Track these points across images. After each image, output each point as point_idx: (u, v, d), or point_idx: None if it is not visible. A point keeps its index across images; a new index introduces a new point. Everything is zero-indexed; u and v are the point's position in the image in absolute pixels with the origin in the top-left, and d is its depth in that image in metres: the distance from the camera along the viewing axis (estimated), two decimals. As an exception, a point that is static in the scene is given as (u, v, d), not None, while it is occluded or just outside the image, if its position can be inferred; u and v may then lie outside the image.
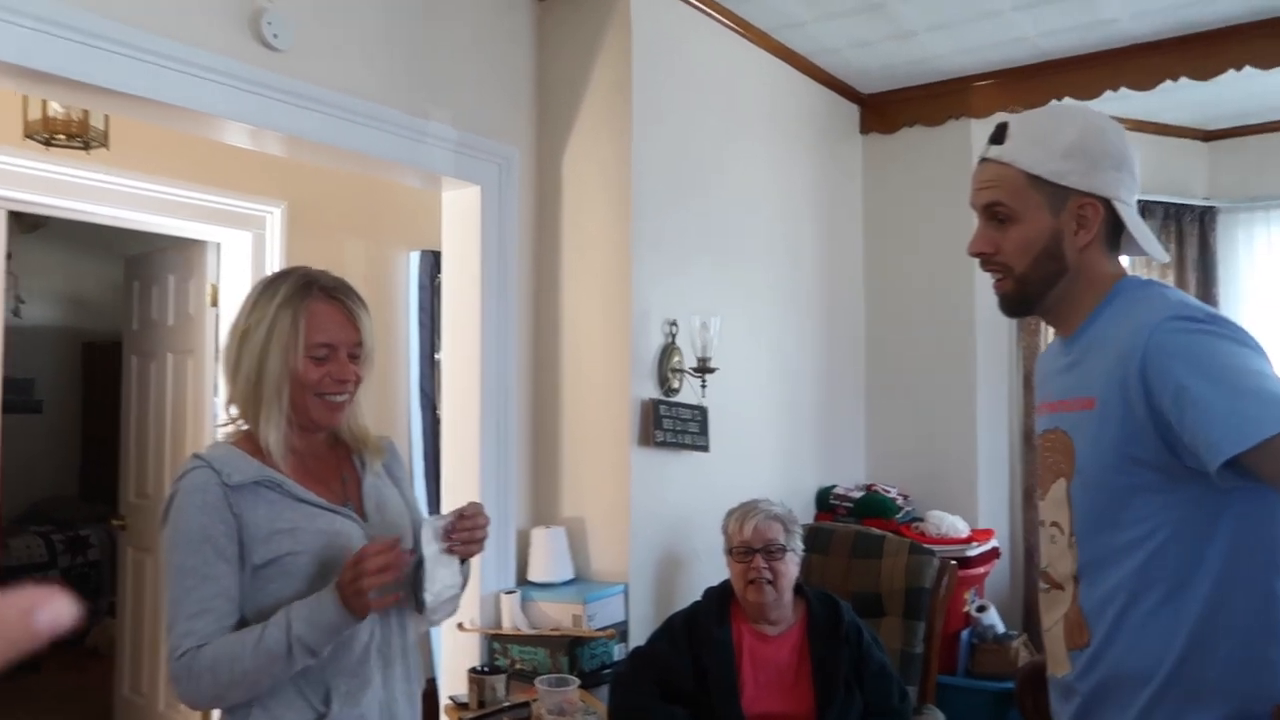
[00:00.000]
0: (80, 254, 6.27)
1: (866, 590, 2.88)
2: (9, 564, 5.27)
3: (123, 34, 2.04)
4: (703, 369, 3.01)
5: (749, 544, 2.39)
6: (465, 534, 1.41)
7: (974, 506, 3.83)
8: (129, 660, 3.88)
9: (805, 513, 3.68)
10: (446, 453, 3.01)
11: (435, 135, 2.74)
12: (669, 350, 3.03)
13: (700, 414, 3.08)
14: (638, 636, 2.74)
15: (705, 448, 3.10)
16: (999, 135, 1.34)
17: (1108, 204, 1.31)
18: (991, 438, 3.94)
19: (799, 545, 2.46)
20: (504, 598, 2.78)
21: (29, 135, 2.94)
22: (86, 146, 3.03)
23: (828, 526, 3.20)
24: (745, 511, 2.47)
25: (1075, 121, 1.32)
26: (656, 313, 3.01)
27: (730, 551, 2.45)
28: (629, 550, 2.88)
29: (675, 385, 3.04)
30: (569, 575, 2.89)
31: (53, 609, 0.45)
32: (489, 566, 2.84)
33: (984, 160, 1.36)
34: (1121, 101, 3.64)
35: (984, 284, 3.84)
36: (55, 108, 2.91)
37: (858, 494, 3.74)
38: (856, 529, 3.13)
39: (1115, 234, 1.34)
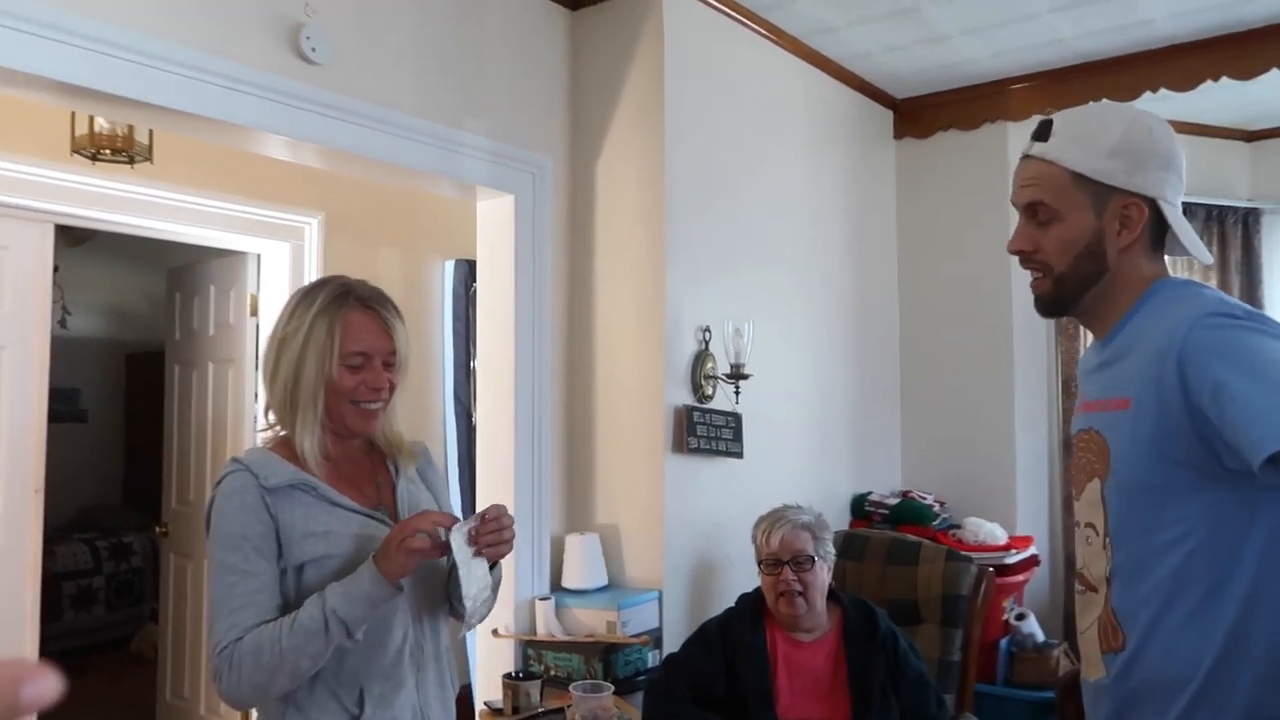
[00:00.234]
0: (125, 267, 6.40)
1: (902, 597, 2.85)
2: (56, 570, 5.38)
3: (166, 51, 2.09)
4: (736, 375, 3.01)
5: (777, 556, 2.37)
6: (491, 536, 1.42)
7: (1012, 513, 3.78)
8: (171, 665, 3.94)
9: (840, 519, 3.66)
10: (481, 460, 3.03)
11: (469, 145, 2.77)
12: (702, 357, 3.03)
13: (734, 420, 3.08)
14: (672, 643, 2.73)
15: (739, 454, 3.09)
16: (1043, 132, 1.32)
17: (1153, 204, 1.28)
18: (1030, 443, 3.89)
19: (830, 551, 2.44)
20: (538, 604, 2.79)
21: (76, 150, 3.01)
22: (131, 161, 3.10)
23: (862, 533, 3.18)
24: (772, 522, 2.44)
25: (1122, 119, 1.30)
26: (690, 319, 3.01)
27: (760, 563, 2.44)
28: (663, 556, 2.88)
29: (709, 392, 3.03)
30: (603, 582, 2.89)
31: (39, 683, 0.45)
32: (523, 572, 2.85)
33: (1026, 157, 1.34)
34: (1162, 102, 3.59)
35: (1021, 288, 3.79)
36: (101, 123, 2.98)
37: (893, 500, 3.71)
38: (892, 535, 3.10)
39: (1159, 235, 1.31)
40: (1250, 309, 1.23)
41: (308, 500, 1.43)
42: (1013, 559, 3.45)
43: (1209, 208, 4.13)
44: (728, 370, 3.02)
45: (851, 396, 3.81)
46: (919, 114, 4.09)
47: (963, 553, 2.99)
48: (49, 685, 0.46)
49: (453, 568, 1.43)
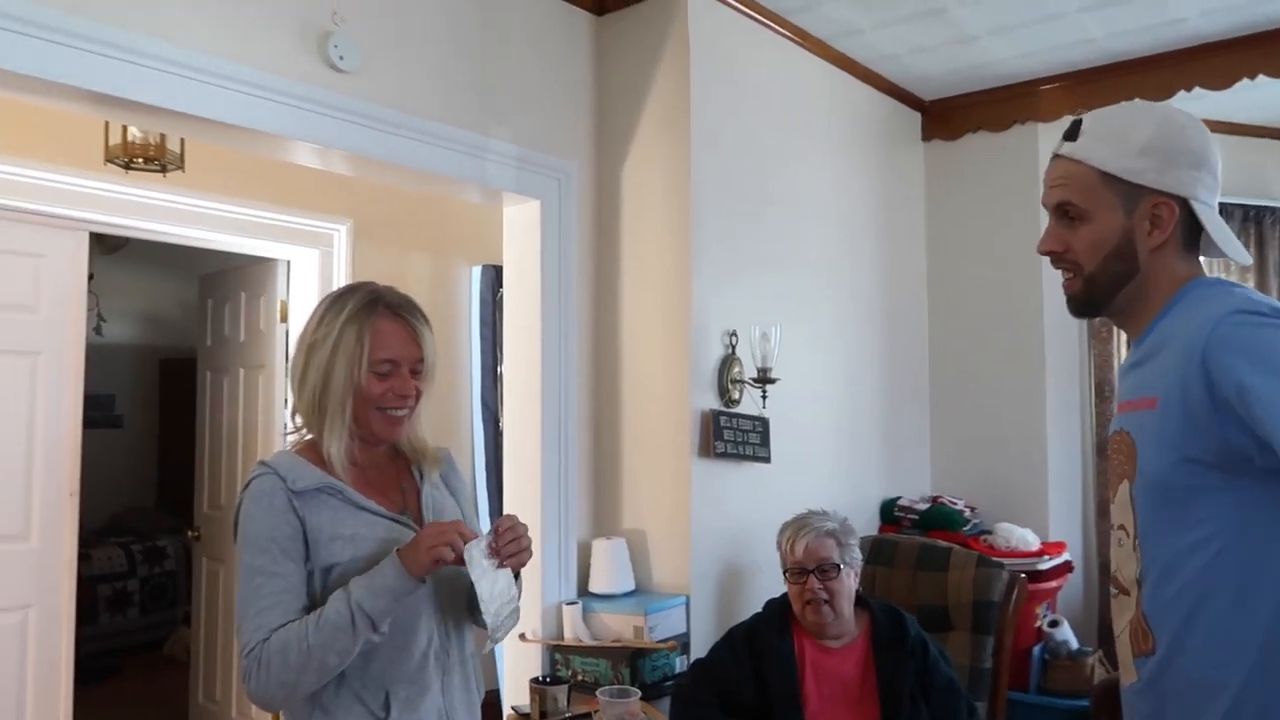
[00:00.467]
0: (158, 274, 6.50)
1: (933, 603, 2.82)
2: (91, 573, 5.46)
3: (196, 60, 2.12)
4: (763, 379, 2.99)
5: (802, 564, 2.35)
6: (510, 546, 1.42)
7: (1045, 519, 3.73)
8: (203, 668, 3.98)
9: (869, 525, 3.63)
10: (508, 465, 3.03)
11: (495, 151, 2.78)
12: (729, 361, 3.02)
13: (761, 425, 3.06)
14: (699, 649, 2.72)
15: (767, 459, 3.08)
16: (1072, 132, 1.31)
17: (1185, 204, 1.26)
18: (1063, 448, 3.84)
19: (856, 557, 2.41)
20: (565, 609, 2.79)
21: (109, 160, 3.06)
22: (164, 169, 3.14)
23: (891, 538, 3.15)
24: (796, 530, 2.42)
25: (1152, 118, 1.28)
26: (716, 323, 3.00)
27: (785, 571, 2.42)
28: (690, 562, 2.86)
29: (735, 396, 3.02)
30: (630, 587, 2.88)
31: None
32: (550, 577, 2.85)
33: (1056, 157, 1.32)
34: (1196, 102, 3.53)
35: (1053, 290, 3.75)
36: (134, 132, 3.03)
37: (923, 506, 3.67)
38: (921, 541, 3.07)
39: (1193, 235, 1.29)
40: (1277, 305, 1.20)
41: (334, 504, 1.44)
42: (1045, 565, 3.40)
43: (1246, 208, 4.05)
44: (754, 374, 3.01)
45: (880, 400, 3.78)
46: (947, 116, 4.06)
47: (994, 558, 2.96)
48: None
49: (470, 584, 1.42)
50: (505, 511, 3.04)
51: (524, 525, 1.46)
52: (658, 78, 3.02)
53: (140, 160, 3.08)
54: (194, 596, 4.16)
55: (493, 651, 3.47)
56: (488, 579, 1.39)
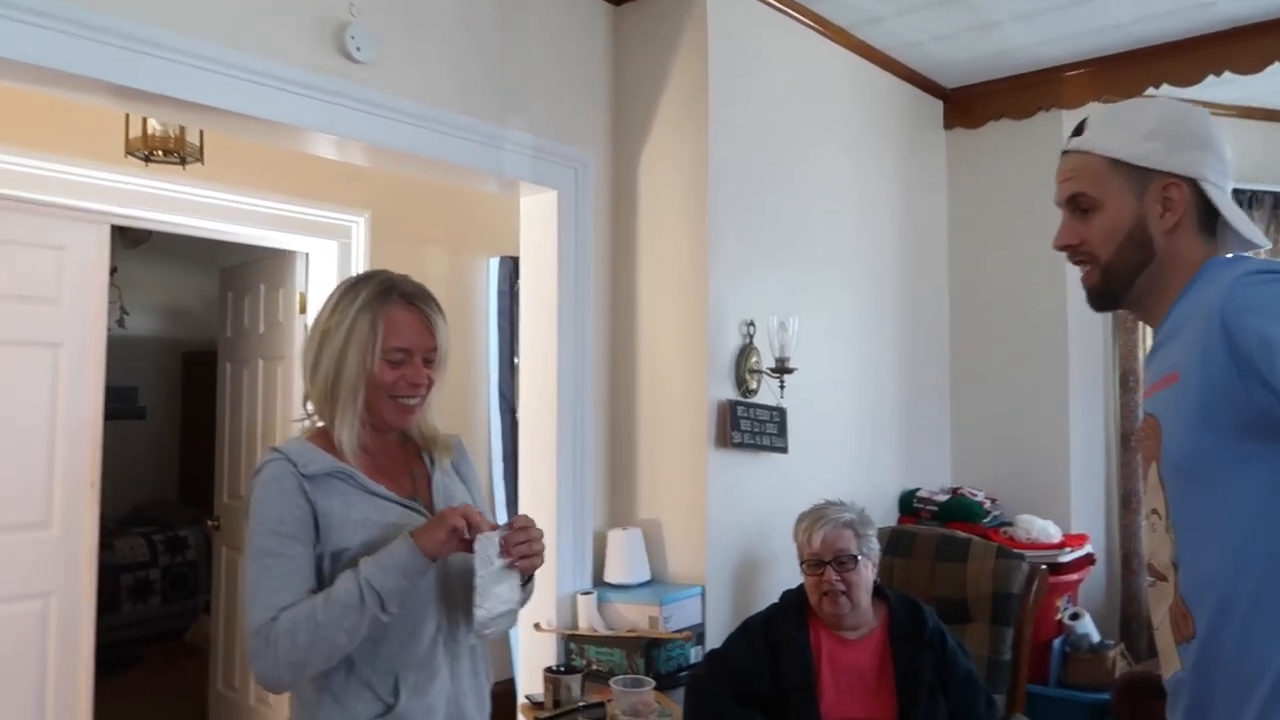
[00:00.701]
0: (180, 267, 6.55)
1: (951, 595, 2.80)
2: (114, 563, 5.52)
3: (214, 52, 2.13)
4: (781, 369, 2.97)
5: (819, 556, 2.33)
6: (522, 547, 1.41)
7: (1067, 511, 3.69)
8: (222, 656, 4.02)
9: (888, 516, 3.60)
10: (524, 455, 3.03)
11: (512, 141, 2.77)
12: (746, 351, 3.00)
13: (779, 415, 3.04)
14: (714, 639, 2.71)
15: (784, 449, 3.06)
16: (1079, 129, 1.34)
17: (1194, 186, 1.26)
18: (1086, 439, 3.80)
19: (874, 548, 2.39)
20: (581, 599, 2.79)
21: (130, 152, 3.08)
22: (183, 162, 3.15)
23: (910, 529, 3.12)
24: (813, 521, 2.39)
25: (1155, 105, 1.32)
26: (734, 313, 2.98)
27: (802, 562, 2.40)
28: (706, 552, 2.85)
29: (753, 386, 3.00)
30: (645, 577, 2.88)
31: None
32: (565, 567, 2.85)
33: (1065, 154, 1.35)
34: (1225, 87, 3.48)
35: (1076, 280, 3.71)
36: (154, 125, 3.04)
37: (943, 497, 3.64)
38: (940, 532, 3.05)
39: (1208, 220, 1.28)
40: None
41: (345, 489, 1.44)
42: (1067, 557, 3.37)
43: (1276, 195, 3.97)
44: (772, 364, 2.99)
45: (900, 390, 3.75)
46: (969, 103, 4.01)
47: (1014, 550, 2.92)
48: None
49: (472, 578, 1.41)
50: (521, 502, 3.04)
51: (540, 530, 1.46)
52: (675, 67, 3.00)
53: (160, 153, 3.10)
54: (214, 585, 4.19)
55: (508, 640, 3.48)
56: (491, 573, 1.38)
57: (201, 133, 3.13)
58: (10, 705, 3.02)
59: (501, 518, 3.65)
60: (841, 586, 2.29)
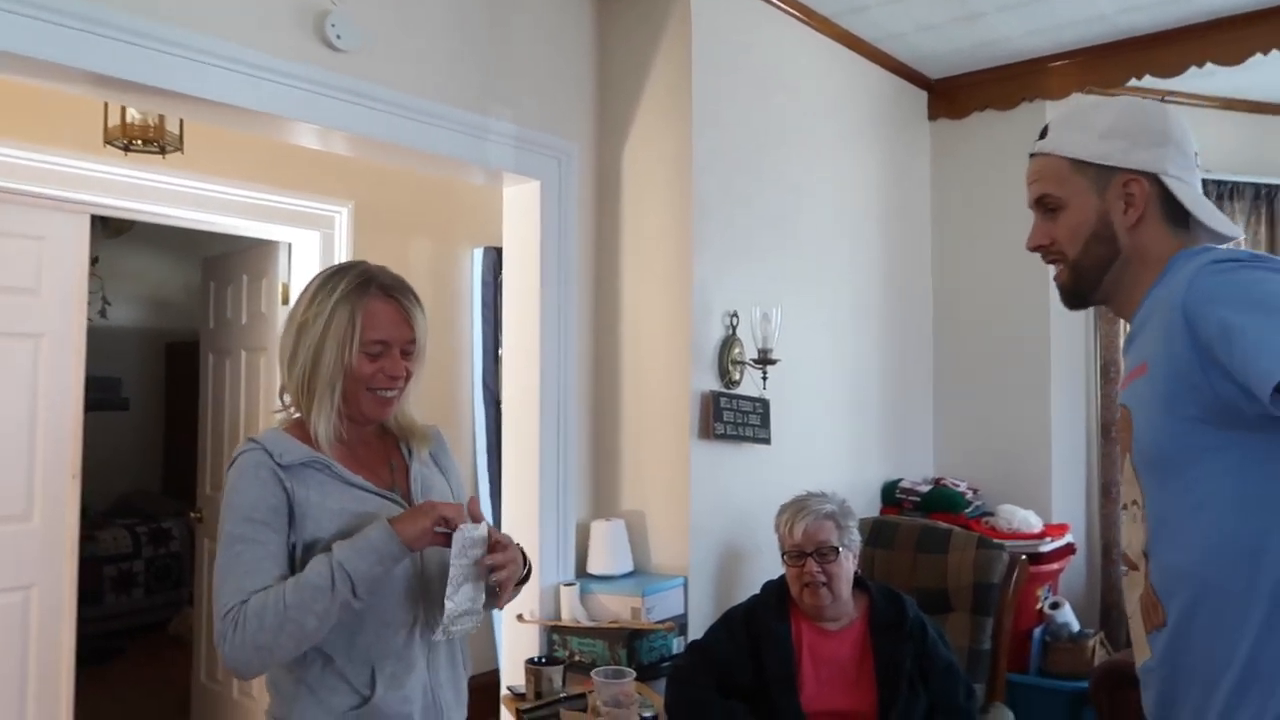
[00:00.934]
0: (163, 258, 6.51)
1: (932, 585, 2.81)
2: (97, 554, 5.50)
3: (194, 40, 2.11)
4: (764, 361, 2.98)
5: (800, 547, 2.34)
6: (497, 555, 1.41)
7: (1048, 501, 3.71)
8: (205, 648, 4.01)
9: (870, 507, 3.62)
10: (507, 446, 3.03)
11: (496, 131, 2.76)
12: (729, 342, 3.00)
13: (761, 406, 3.05)
14: (697, 630, 2.72)
15: (767, 440, 3.06)
16: (1043, 133, 1.38)
17: (1156, 181, 1.29)
18: (1068, 430, 3.82)
19: (855, 540, 2.40)
20: (563, 590, 2.79)
21: (109, 141, 3.05)
22: (163, 151, 3.13)
23: (891, 520, 3.14)
24: (795, 512, 2.40)
25: (1112, 104, 1.35)
26: (717, 304, 2.98)
27: (783, 554, 2.40)
28: (688, 543, 2.86)
29: (736, 377, 3.01)
30: (628, 568, 2.88)
31: None
32: (549, 558, 2.85)
33: (1031, 157, 1.39)
34: (1207, 78, 3.49)
35: (1056, 271, 3.59)
36: (133, 114, 3.01)
37: (925, 488, 3.66)
38: (922, 523, 3.06)
39: (1179, 215, 1.30)
40: (1256, 252, 1.23)
41: (322, 479, 1.44)
42: (1047, 547, 3.39)
43: (1257, 186, 4.00)
44: (755, 355, 2.99)
45: (883, 382, 3.76)
46: (954, 94, 4.01)
47: (995, 540, 2.94)
48: None
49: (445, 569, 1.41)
50: (504, 493, 3.04)
51: (518, 550, 1.47)
52: (660, 57, 2.99)
53: (139, 142, 3.07)
54: (197, 577, 4.18)
55: (492, 632, 3.48)
56: (463, 566, 1.38)
57: (181, 122, 3.11)
58: (-9, 698, 3.01)
59: (486, 510, 3.65)
60: (822, 578, 2.30)
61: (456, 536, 1.38)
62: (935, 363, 4.06)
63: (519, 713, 2.32)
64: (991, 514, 3.57)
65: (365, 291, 1.48)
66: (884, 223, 3.82)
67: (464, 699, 1.56)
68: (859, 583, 2.40)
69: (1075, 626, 3.35)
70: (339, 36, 2.37)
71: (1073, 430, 3.84)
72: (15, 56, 1.87)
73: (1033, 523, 3.45)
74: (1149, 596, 1.24)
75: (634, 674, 2.29)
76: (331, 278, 1.52)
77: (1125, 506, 1.33)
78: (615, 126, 3.10)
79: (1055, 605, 3.37)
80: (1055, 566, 3.45)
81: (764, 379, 3.02)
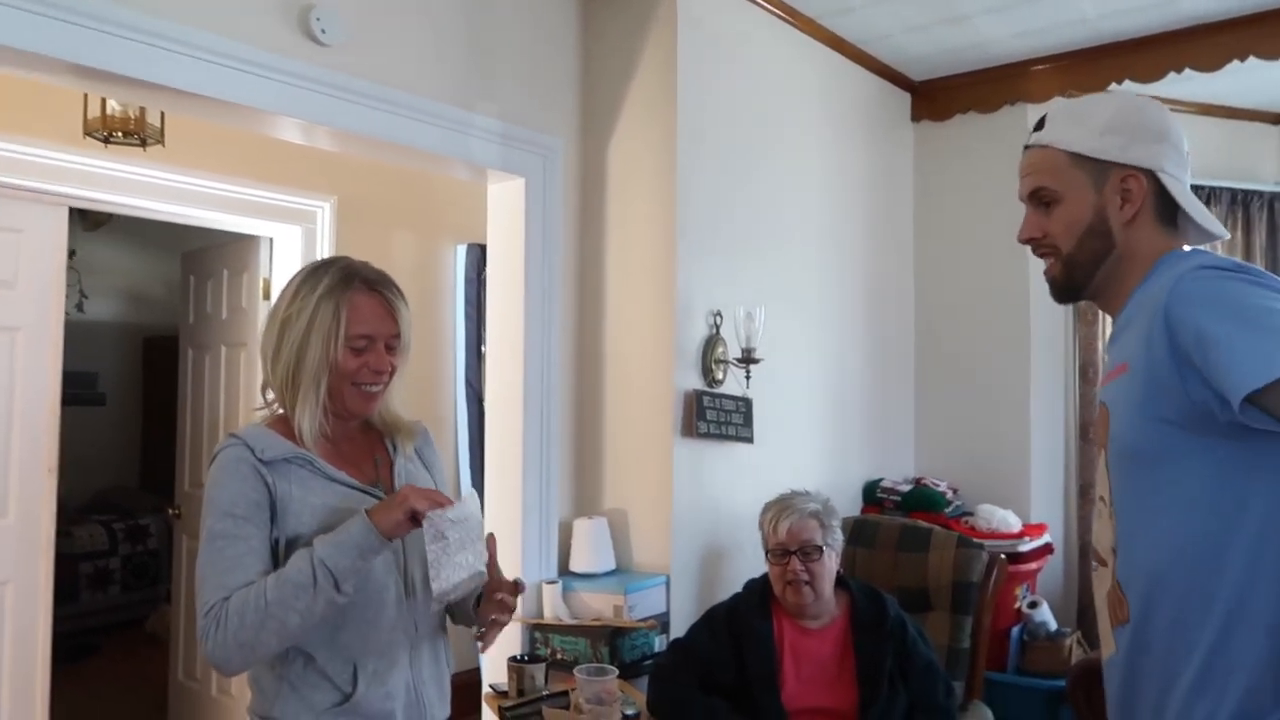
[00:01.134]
0: (142, 251, 6.44)
1: (913, 584, 2.83)
2: (73, 551, 5.44)
3: (175, 32, 2.08)
4: (747, 360, 2.99)
5: (784, 546, 2.34)
6: (498, 617, 1.47)
7: (1027, 501, 3.74)
8: (183, 646, 3.98)
9: (852, 506, 3.63)
10: (490, 444, 3.02)
11: (480, 127, 2.75)
12: (713, 341, 3.00)
13: (744, 405, 3.06)
14: (679, 628, 2.72)
15: (749, 439, 3.07)
16: (1040, 124, 1.37)
17: (1153, 178, 1.29)
18: (1047, 430, 3.85)
19: (838, 539, 2.41)
20: (545, 588, 2.78)
21: (89, 133, 3.02)
22: (143, 143, 3.10)
23: (873, 519, 3.15)
24: (779, 511, 2.40)
25: (1112, 99, 1.36)
26: (701, 303, 2.99)
27: (767, 552, 2.41)
28: (671, 541, 2.86)
29: (719, 376, 3.01)
30: (610, 566, 2.88)
31: None
32: (531, 556, 2.85)
33: (1026, 148, 1.38)
34: (1186, 84, 3.52)
35: (1039, 274, 3.74)
36: (113, 105, 2.99)
37: (906, 487, 3.68)
38: (903, 522, 3.08)
39: (1170, 212, 1.32)
40: (1242, 261, 1.23)
41: (304, 475, 1.43)
42: (1026, 547, 3.42)
43: (1234, 191, 4.04)
44: (738, 354, 3.00)
45: (865, 382, 3.78)
46: (937, 96, 4.04)
47: (975, 540, 2.96)
48: None
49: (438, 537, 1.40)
50: (487, 491, 3.03)
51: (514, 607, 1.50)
52: (644, 56, 2.99)
53: (119, 134, 3.05)
54: (175, 574, 4.14)
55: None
56: (442, 547, 1.36)
57: (163, 114, 3.08)
58: (-36, 695, 2.97)
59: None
60: (805, 576, 2.31)
61: (426, 525, 1.37)
62: (916, 363, 4.09)
63: (501, 710, 2.32)
64: (971, 514, 3.60)
65: (349, 286, 1.48)
66: (867, 223, 3.83)
67: (447, 696, 1.56)
68: (840, 581, 2.41)
69: (1053, 625, 3.38)
70: (323, 30, 2.36)
71: (1052, 431, 3.88)
72: (-8, 46, 1.85)
73: (1012, 522, 3.48)
74: (1115, 592, 1.26)
75: (616, 672, 2.29)
76: (315, 273, 1.51)
77: (1096, 501, 1.35)
78: (600, 125, 3.10)
79: (1033, 604, 3.40)
80: (1033, 566, 3.48)
81: (747, 378, 3.03)
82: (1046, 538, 3.59)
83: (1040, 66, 3.74)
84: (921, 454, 4.04)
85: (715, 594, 2.86)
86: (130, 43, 2.02)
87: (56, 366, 3.26)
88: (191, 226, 3.67)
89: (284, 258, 3.69)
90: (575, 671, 2.28)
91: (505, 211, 2.98)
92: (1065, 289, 1.37)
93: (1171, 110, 1.37)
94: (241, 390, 3.78)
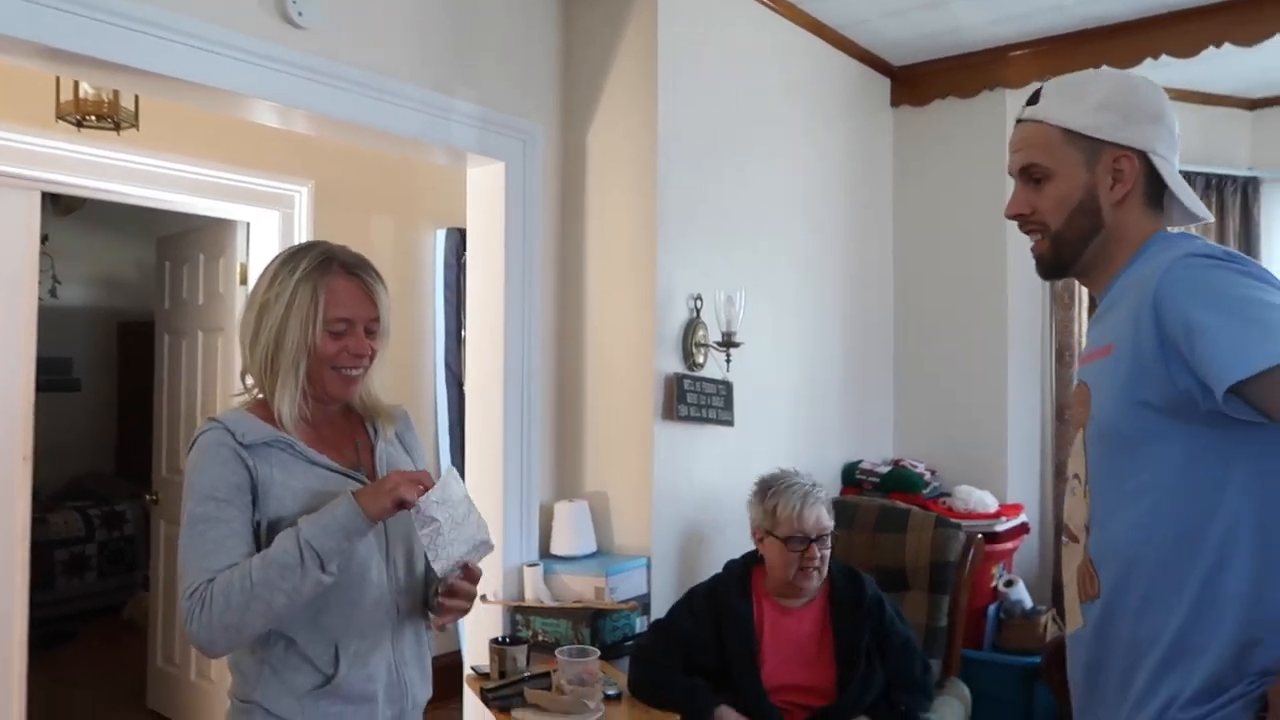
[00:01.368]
0: (116, 236, 6.37)
1: (891, 564, 2.86)
2: (48, 539, 5.39)
3: (150, 14, 2.05)
4: (727, 343, 3.00)
5: (807, 534, 2.32)
6: (457, 601, 1.47)
7: (1003, 482, 3.79)
8: (161, 632, 3.96)
9: (831, 488, 3.65)
10: (471, 428, 3.02)
11: (459, 112, 2.74)
12: (693, 325, 3.01)
13: (725, 388, 3.07)
14: (659, 609, 2.74)
15: (730, 422, 3.09)
16: (1034, 97, 1.36)
17: (1145, 159, 1.29)
18: (1023, 412, 3.89)
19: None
20: (527, 570, 2.79)
21: (61, 117, 2.98)
22: (117, 127, 3.06)
23: (852, 500, 3.18)
24: (803, 498, 2.36)
25: (1108, 78, 1.34)
26: (681, 287, 2.99)
27: (787, 539, 2.33)
28: (651, 524, 2.88)
29: (700, 360, 3.02)
30: (591, 548, 2.90)
31: None
32: (512, 539, 2.86)
33: (1019, 122, 1.37)
34: (1162, 69, 3.54)
35: (1017, 258, 3.77)
36: (86, 89, 2.95)
37: (884, 469, 3.71)
38: (881, 503, 3.11)
39: (1156, 193, 1.32)
40: (1232, 251, 1.24)
41: (285, 458, 1.43)
42: (1002, 526, 3.46)
43: (1209, 176, 4.09)
44: (719, 338, 3.01)
45: (844, 365, 3.80)
46: (916, 82, 4.05)
47: (952, 520, 3.00)
48: None
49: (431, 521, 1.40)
50: (467, 475, 3.03)
51: (472, 595, 1.52)
52: (625, 40, 2.98)
53: (93, 118, 3.01)
54: (152, 561, 4.12)
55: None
56: (434, 535, 1.37)
57: (136, 97, 3.04)
58: (-60, 683, 2.94)
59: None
60: (816, 563, 2.33)
61: (414, 514, 1.37)
62: (895, 346, 4.12)
63: (483, 692, 2.33)
64: (949, 494, 3.63)
65: (328, 270, 1.47)
66: (847, 208, 3.85)
67: (429, 677, 1.56)
68: (819, 562, 2.44)
69: (1028, 604, 3.43)
70: (300, 13, 2.34)
71: (1028, 413, 3.92)
72: (-39, 27, 1.82)
73: (988, 503, 3.52)
74: (1087, 568, 1.28)
75: (598, 652, 2.31)
76: (292, 257, 1.50)
77: (1068, 478, 1.36)
78: (580, 109, 3.09)
79: (1009, 583, 3.44)
80: (1010, 545, 3.52)
81: (727, 361, 3.04)
82: (1022, 518, 3.64)
83: (1018, 52, 3.76)
84: (900, 436, 4.08)
85: (696, 575, 2.88)
86: (103, 25, 1.98)
87: (30, 353, 3.22)
88: (166, 211, 3.63)
89: (261, 242, 3.67)
90: (557, 653, 2.29)
91: (485, 196, 2.97)
92: (1052, 266, 1.37)
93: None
94: (219, 376, 3.76)
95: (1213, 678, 1.16)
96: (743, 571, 2.43)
